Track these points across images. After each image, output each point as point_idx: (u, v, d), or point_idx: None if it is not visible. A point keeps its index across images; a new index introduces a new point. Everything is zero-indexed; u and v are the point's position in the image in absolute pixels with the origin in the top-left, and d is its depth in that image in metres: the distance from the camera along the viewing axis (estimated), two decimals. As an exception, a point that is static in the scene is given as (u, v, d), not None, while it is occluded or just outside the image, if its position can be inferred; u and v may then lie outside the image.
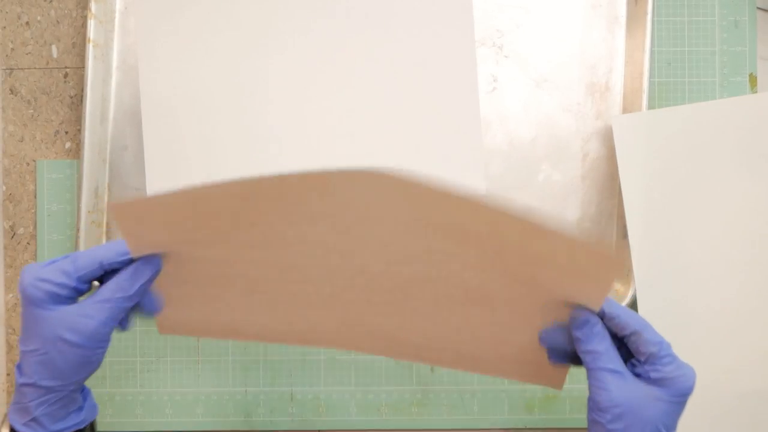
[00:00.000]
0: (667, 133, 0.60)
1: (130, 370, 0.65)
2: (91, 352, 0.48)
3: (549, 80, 0.64)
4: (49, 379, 0.48)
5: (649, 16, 0.61)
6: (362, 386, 0.65)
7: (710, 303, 0.60)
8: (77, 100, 0.65)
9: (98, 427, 0.62)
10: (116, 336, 0.64)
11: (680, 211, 0.60)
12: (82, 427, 0.51)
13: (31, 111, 0.65)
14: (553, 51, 0.64)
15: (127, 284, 0.48)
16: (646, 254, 0.61)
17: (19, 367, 0.49)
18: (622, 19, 0.64)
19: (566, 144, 0.64)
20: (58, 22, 0.65)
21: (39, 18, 0.65)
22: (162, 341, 0.65)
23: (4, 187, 0.65)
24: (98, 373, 0.64)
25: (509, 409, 0.65)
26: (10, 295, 0.65)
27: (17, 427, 0.49)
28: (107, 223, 0.64)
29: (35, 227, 0.65)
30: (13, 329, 0.65)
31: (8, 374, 0.65)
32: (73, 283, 0.48)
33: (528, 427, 0.65)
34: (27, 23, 0.65)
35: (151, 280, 0.49)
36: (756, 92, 0.64)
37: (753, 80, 0.64)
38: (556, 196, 0.64)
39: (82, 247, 0.61)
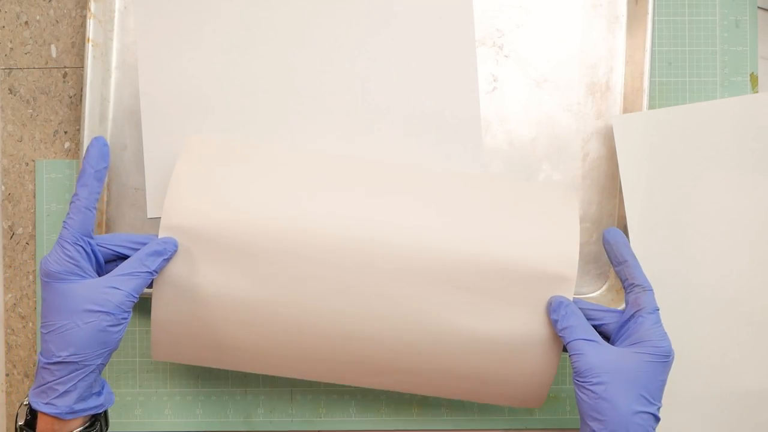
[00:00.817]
0: (668, 133, 0.60)
1: (129, 370, 0.64)
2: (115, 323, 0.51)
3: (549, 80, 0.64)
4: (75, 354, 0.50)
5: (649, 16, 0.61)
6: (362, 386, 0.65)
7: (711, 302, 0.60)
8: (76, 100, 0.65)
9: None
10: (115, 336, 0.64)
11: (681, 211, 0.60)
12: (100, 411, 0.53)
13: (30, 111, 0.65)
14: (553, 51, 0.64)
15: (150, 260, 0.53)
16: (647, 254, 0.60)
17: (42, 350, 0.51)
18: (623, 19, 0.64)
19: (566, 144, 0.64)
20: (57, 21, 0.65)
21: (38, 17, 0.65)
22: (161, 341, 0.65)
23: (3, 187, 0.65)
24: (97, 373, 0.64)
25: (509, 410, 0.64)
26: (9, 295, 0.65)
27: (39, 407, 0.50)
28: (106, 224, 0.64)
29: (34, 227, 0.65)
30: (12, 329, 0.65)
31: (7, 375, 0.65)
32: (87, 251, 0.53)
33: (528, 427, 0.64)
34: (26, 23, 0.65)
35: (168, 259, 0.54)
36: (757, 92, 0.64)
37: (754, 80, 0.64)
38: (557, 196, 0.64)
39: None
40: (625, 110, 0.63)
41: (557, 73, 0.64)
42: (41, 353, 0.51)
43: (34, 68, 0.65)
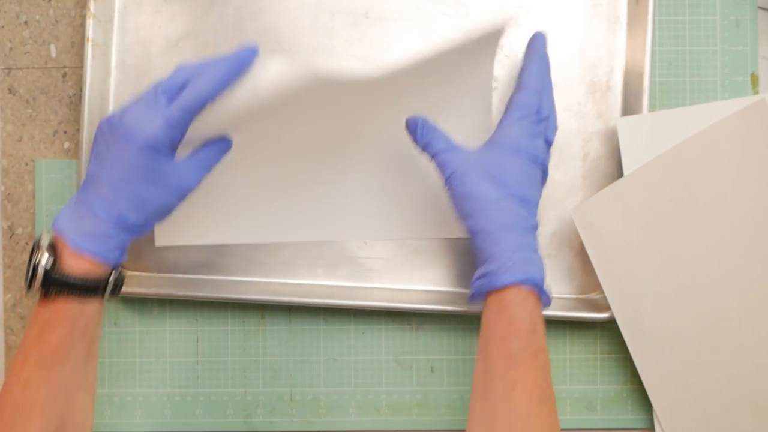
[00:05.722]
0: (672, 134, 0.60)
1: (129, 370, 0.64)
2: (176, 205, 0.53)
3: (549, 80, 0.63)
4: (140, 221, 0.51)
5: (649, 16, 0.61)
6: (362, 386, 0.65)
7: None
8: (76, 100, 0.65)
9: (96, 428, 0.62)
10: (115, 336, 0.65)
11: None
12: (116, 262, 0.52)
13: (30, 111, 0.65)
14: (553, 51, 0.63)
15: (212, 160, 0.54)
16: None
17: (114, 215, 0.50)
18: (623, 19, 0.64)
19: (566, 144, 0.63)
20: (56, 21, 0.65)
21: (38, 17, 0.65)
22: (161, 341, 0.64)
23: (3, 187, 0.65)
24: (97, 373, 0.64)
25: (509, 410, 0.64)
26: (9, 295, 0.65)
27: (91, 249, 0.50)
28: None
29: (34, 227, 0.65)
30: (12, 329, 0.65)
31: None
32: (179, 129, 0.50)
33: (528, 427, 0.64)
34: (26, 22, 0.65)
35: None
36: (757, 92, 0.64)
37: (754, 80, 0.64)
38: (556, 196, 0.63)
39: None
40: (625, 110, 0.63)
41: (557, 73, 0.63)
42: (113, 215, 0.50)
43: (33, 68, 0.65)
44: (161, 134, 0.49)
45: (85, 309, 0.51)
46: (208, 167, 0.53)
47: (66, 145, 0.65)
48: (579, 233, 0.60)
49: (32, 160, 0.65)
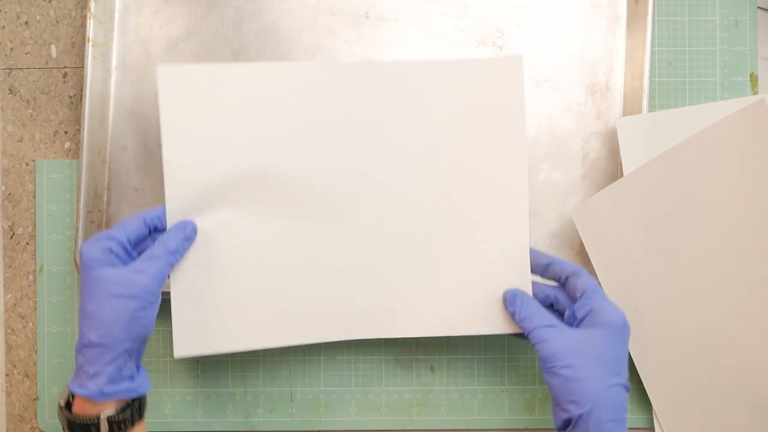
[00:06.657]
0: (672, 135, 0.60)
1: (129, 370, 0.65)
2: (141, 306, 0.52)
3: (549, 80, 0.64)
4: (103, 336, 0.51)
5: (649, 16, 0.61)
6: (362, 386, 0.65)
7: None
8: (77, 100, 0.65)
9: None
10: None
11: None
12: (132, 396, 0.53)
13: (31, 111, 0.65)
14: (553, 51, 0.64)
15: (170, 241, 0.54)
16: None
17: (78, 335, 0.52)
18: (623, 19, 0.64)
19: (566, 144, 0.64)
20: (57, 21, 0.65)
21: (38, 18, 0.65)
22: (161, 341, 0.64)
23: (3, 187, 0.65)
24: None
25: (509, 409, 0.65)
26: (9, 295, 0.65)
27: (74, 389, 0.52)
28: (106, 223, 0.64)
29: (34, 227, 0.65)
30: (12, 329, 0.65)
31: (7, 375, 0.65)
32: (123, 244, 0.53)
33: (528, 427, 0.64)
34: (26, 23, 0.65)
35: (189, 239, 0.56)
36: (757, 92, 0.64)
37: (754, 80, 0.64)
38: (556, 196, 0.64)
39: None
40: (625, 110, 0.63)
41: (557, 73, 0.64)
42: (78, 338, 0.52)
43: (34, 68, 0.65)
44: (90, 248, 0.52)
45: None
46: (162, 256, 0.54)
47: (66, 145, 0.65)
48: (579, 233, 0.61)
49: (33, 160, 0.65)
